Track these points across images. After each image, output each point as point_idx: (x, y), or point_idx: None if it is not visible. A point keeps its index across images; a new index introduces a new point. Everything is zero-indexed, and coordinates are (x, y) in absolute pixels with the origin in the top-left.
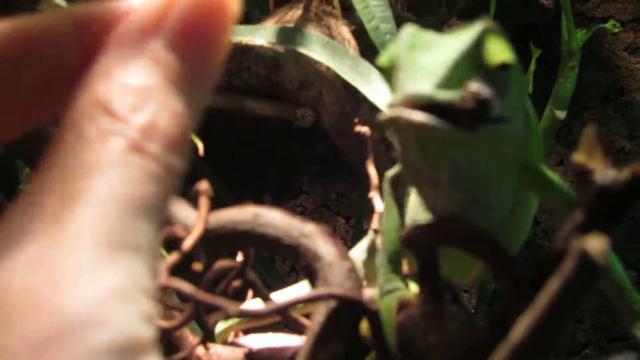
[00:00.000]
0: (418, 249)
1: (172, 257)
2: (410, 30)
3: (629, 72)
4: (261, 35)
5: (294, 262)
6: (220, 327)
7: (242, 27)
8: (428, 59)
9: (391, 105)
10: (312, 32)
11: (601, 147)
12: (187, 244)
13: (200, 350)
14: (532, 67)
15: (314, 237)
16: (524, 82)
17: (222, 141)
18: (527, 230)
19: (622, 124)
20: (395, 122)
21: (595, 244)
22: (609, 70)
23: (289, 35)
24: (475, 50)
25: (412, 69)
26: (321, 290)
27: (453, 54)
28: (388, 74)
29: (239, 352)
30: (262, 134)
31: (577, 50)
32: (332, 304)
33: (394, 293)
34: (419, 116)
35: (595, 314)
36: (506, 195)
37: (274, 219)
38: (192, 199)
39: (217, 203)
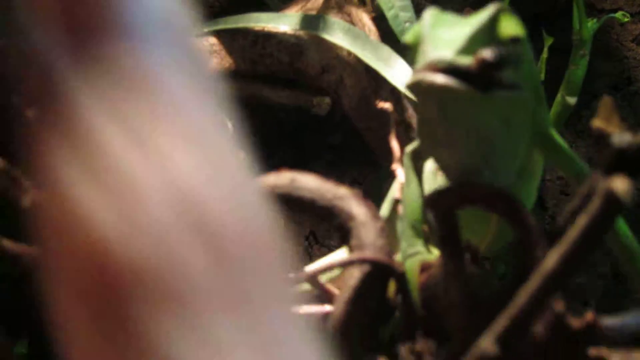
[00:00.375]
0: (439, 211)
1: None
2: (433, 12)
3: (636, 62)
4: (285, 23)
5: (329, 223)
6: None
7: (265, 15)
8: (449, 33)
9: (415, 72)
10: (334, 19)
11: (618, 115)
12: None
13: None
14: (545, 55)
15: (347, 198)
16: (533, 57)
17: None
18: (533, 199)
19: (630, 113)
20: (419, 84)
21: (620, 184)
22: (617, 61)
23: (313, 22)
24: (490, 26)
25: (435, 41)
26: (354, 255)
27: (471, 28)
28: (413, 50)
29: None
30: (278, 122)
31: (588, 39)
32: (365, 267)
33: (416, 256)
34: (440, 78)
35: (602, 299)
36: (514, 158)
37: (309, 182)
38: None
39: None
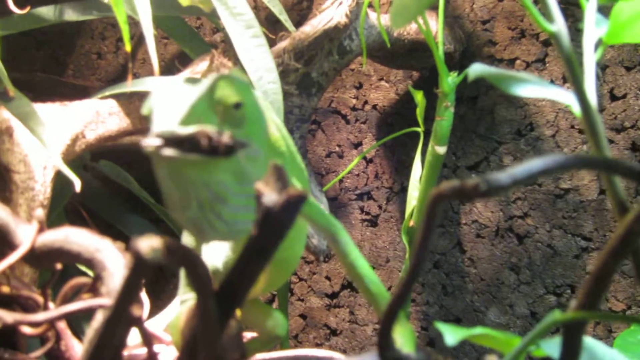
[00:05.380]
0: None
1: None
2: (164, 83)
3: (537, 109)
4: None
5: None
6: None
7: (153, 79)
8: (174, 104)
9: (145, 142)
10: None
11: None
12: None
13: None
14: (419, 109)
15: (104, 251)
16: (262, 117)
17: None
18: (299, 250)
19: (534, 157)
20: (150, 155)
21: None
22: (519, 108)
23: (188, 83)
24: (210, 95)
25: (162, 113)
26: (94, 301)
27: (192, 98)
28: (149, 120)
29: None
30: None
31: (450, 92)
32: (107, 313)
33: (186, 302)
34: (167, 151)
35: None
36: (250, 209)
37: (79, 237)
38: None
39: None
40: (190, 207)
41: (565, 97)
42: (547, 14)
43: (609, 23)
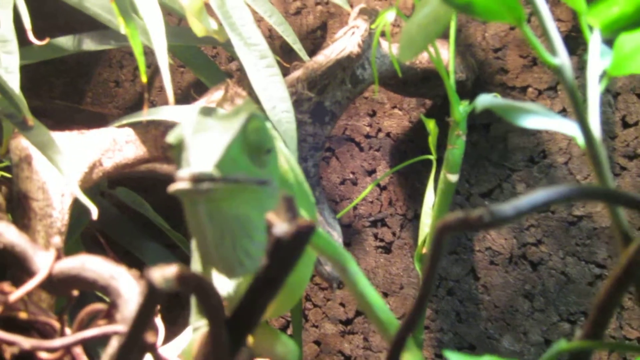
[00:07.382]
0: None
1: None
2: (194, 116)
3: (549, 136)
4: (184, 115)
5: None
6: None
7: (170, 108)
8: (207, 142)
9: (180, 179)
10: (226, 110)
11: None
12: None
13: None
14: (431, 138)
15: (119, 278)
16: (276, 155)
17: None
18: (307, 272)
19: (547, 184)
20: (184, 194)
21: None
22: (532, 135)
23: (208, 113)
24: (243, 135)
25: (195, 152)
26: (109, 328)
27: (226, 137)
28: (176, 150)
29: None
30: None
31: (461, 121)
32: (121, 339)
33: (199, 329)
34: (206, 185)
35: None
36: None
37: (95, 264)
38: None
39: None
40: (223, 244)
41: (570, 128)
42: (551, 48)
43: (612, 55)
